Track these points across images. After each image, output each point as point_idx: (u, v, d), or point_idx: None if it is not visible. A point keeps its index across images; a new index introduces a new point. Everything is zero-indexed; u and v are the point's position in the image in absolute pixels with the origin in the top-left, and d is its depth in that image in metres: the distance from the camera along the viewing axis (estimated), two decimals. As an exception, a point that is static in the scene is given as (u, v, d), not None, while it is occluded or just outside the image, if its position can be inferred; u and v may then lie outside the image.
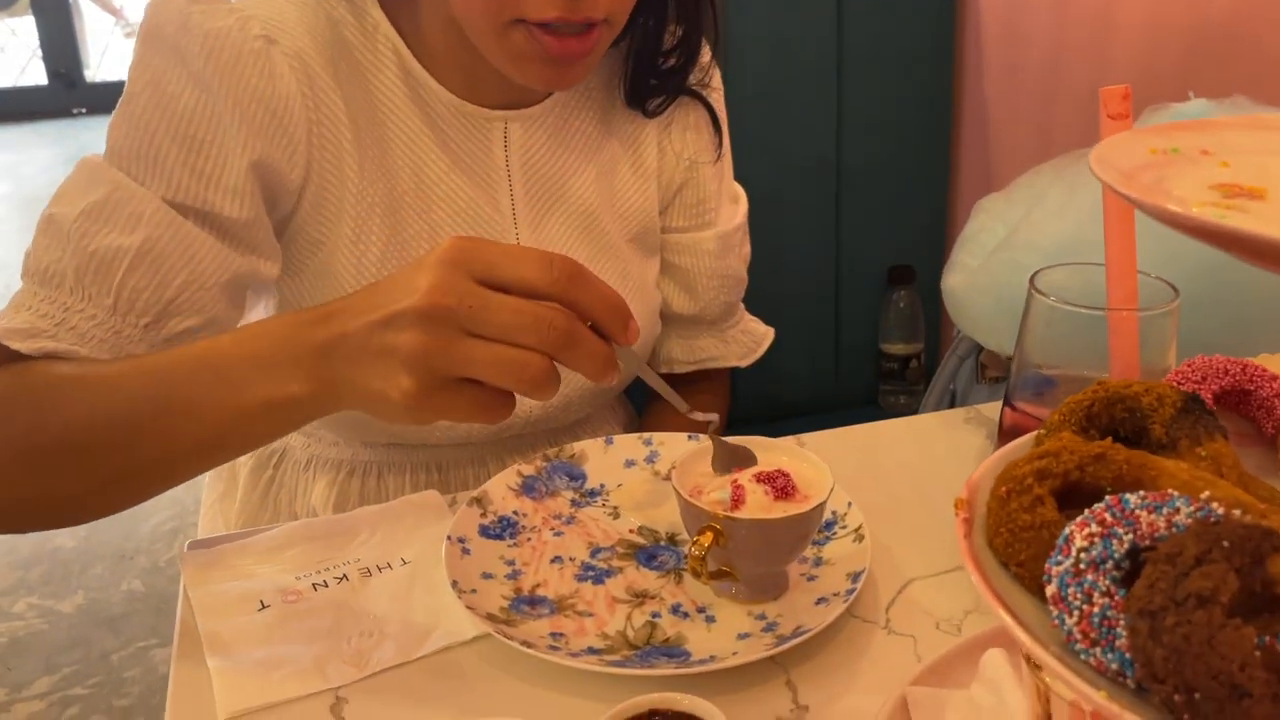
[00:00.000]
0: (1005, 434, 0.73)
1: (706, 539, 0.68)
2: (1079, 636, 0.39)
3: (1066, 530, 0.40)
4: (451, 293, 0.56)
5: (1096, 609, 0.38)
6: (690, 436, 0.89)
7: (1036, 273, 0.72)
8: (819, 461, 0.74)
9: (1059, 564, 0.40)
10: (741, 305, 1.14)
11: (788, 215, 1.73)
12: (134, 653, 2.04)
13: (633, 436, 0.90)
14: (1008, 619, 0.41)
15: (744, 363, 1.14)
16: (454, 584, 0.73)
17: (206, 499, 1.11)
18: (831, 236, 1.77)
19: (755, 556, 0.71)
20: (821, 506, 0.71)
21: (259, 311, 0.93)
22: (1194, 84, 1.15)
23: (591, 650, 0.70)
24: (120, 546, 2.34)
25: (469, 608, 0.71)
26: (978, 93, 1.80)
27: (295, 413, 0.65)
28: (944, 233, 1.84)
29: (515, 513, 0.83)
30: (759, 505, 0.70)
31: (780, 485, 0.70)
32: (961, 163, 1.85)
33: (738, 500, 0.70)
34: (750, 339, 1.15)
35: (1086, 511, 0.40)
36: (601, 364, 0.60)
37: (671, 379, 1.12)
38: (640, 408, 1.20)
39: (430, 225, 0.91)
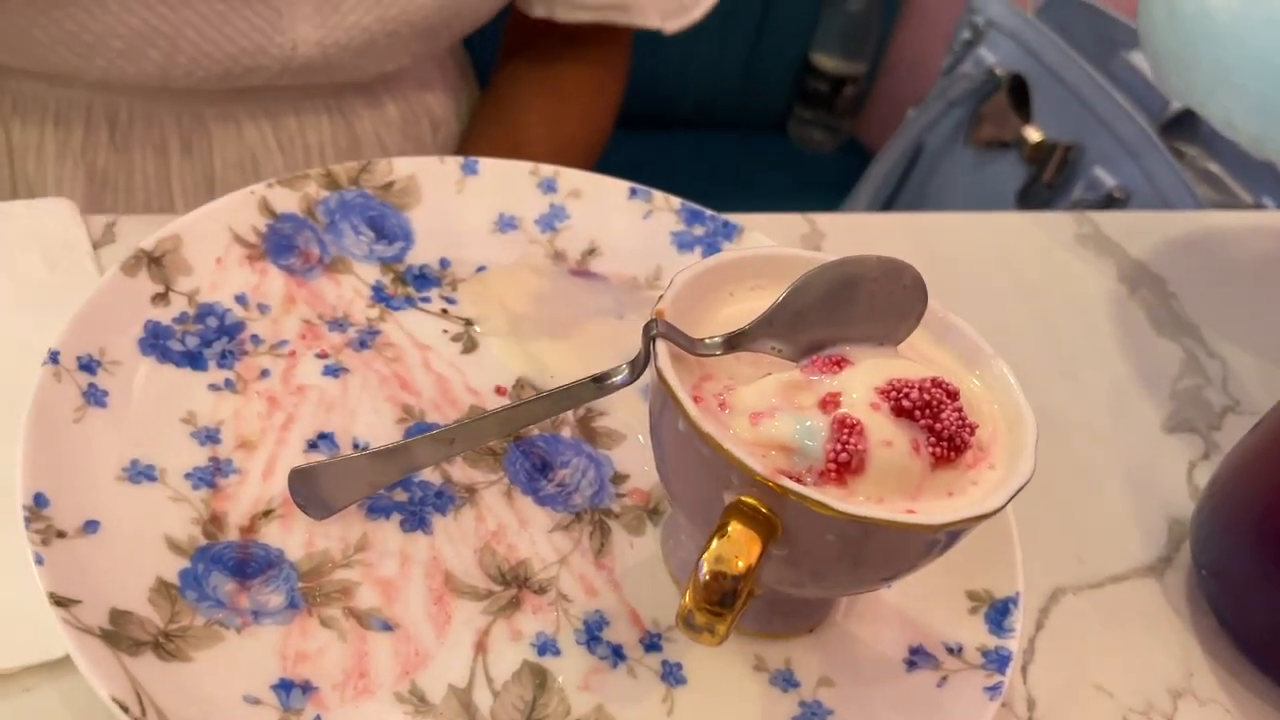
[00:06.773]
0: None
1: (748, 547, 0.25)
2: None
3: None
4: None
5: None
6: (628, 192, 0.43)
7: None
8: (984, 346, 0.31)
9: None
10: None
11: None
12: None
13: (515, 166, 0.43)
14: None
15: (668, 26, 0.71)
16: (34, 501, 0.27)
17: None
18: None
19: (830, 576, 0.29)
20: (1018, 492, 0.28)
21: None
22: None
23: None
24: None
25: (56, 606, 0.25)
26: None
27: None
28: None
29: (242, 299, 0.36)
30: (898, 474, 0.26)
31: (949, 428, 0.27)
32: None
33: (846, 456, 0.26)
34: None
35: None
36: None
37: (549, 30, 0.68)
38: (485, 71, 0.74)
39: None
